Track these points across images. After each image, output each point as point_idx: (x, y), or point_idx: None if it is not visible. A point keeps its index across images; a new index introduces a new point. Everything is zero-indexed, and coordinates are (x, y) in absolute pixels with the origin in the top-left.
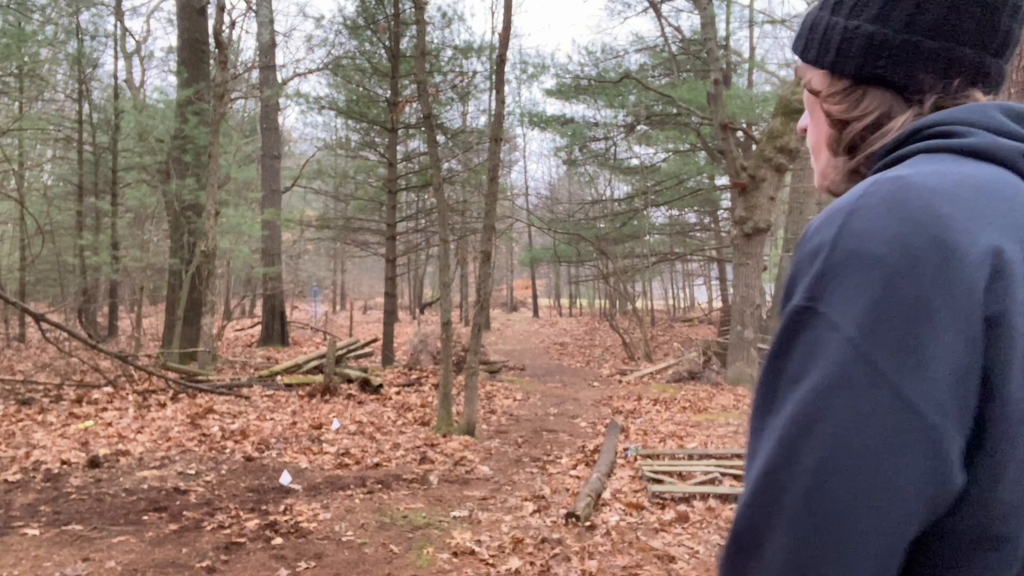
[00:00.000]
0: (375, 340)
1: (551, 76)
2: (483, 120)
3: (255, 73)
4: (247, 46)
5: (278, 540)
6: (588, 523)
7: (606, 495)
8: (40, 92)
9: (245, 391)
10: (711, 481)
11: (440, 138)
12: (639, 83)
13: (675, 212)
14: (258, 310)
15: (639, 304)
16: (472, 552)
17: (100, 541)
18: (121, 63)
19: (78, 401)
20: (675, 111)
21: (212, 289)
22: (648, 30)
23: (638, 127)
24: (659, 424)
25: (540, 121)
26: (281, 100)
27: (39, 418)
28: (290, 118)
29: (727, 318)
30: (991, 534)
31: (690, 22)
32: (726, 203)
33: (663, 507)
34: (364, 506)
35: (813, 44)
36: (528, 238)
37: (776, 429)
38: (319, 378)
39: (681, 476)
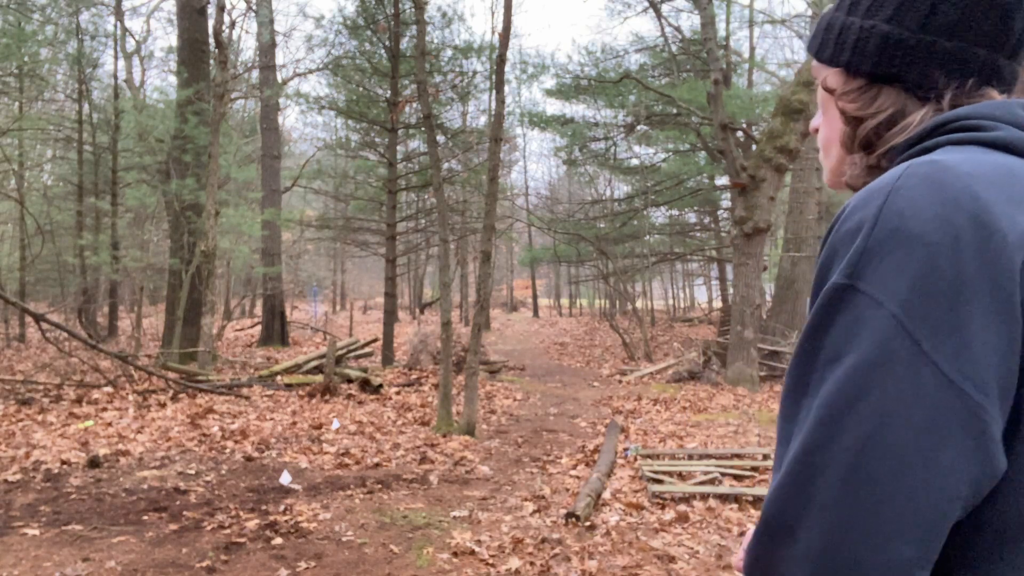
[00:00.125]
0: (375, 340)
1: (551, 76)
2: (483, 120)
3: (255, 73)
4: (247, 46)
5: (278, 540)
6: (588, 523)
7: (606, 495)
8: (40, 92)
9: (245, 391)
10: (711, 481)
11: (440, 138)
12: (639, 83)
13: (675, 212)
14: (258, 310)
15: (639, 304)
16: (472, 552)
17: (100, 541)
18: (121, 63)
19: (78, 401)
20: (675, 111)
21: (212, 289)
22: (648, 30)
23: (638, 127)
24: (659, 424)
25: (540, 121)
26: (281, 100)
27: (39, 418)
28: (290, 118)
29: (727, 318)
30: None
31: (690, 22)
32: (726, 203)
33: (663, 507)
34: (364, 506)
35: (829, 44)
36: (528, 238)
37: (813, 410)
38: (319, 378)
39: (681, 476)
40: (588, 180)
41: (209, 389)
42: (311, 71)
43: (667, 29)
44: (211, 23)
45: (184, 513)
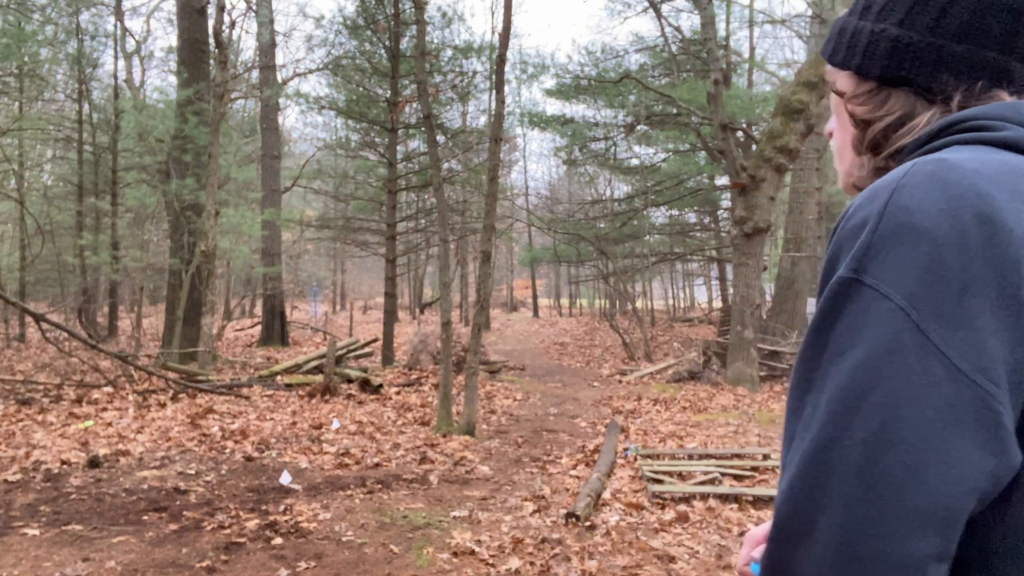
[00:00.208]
0: (375, 340)
1: (551, 76)
2: (483, 120)
3: (255, 73)
4: (247, 46)
5: (278, 540)
6: (588, 523)
7: (606, 495)
8: (40, 92)
9: (245, 391)
10: (711, 481)
11: (440, 138)
12: (639, 83)
13: (675, 212)
14: (258, 310)
15: (639, 304)
16: (472, 552)
17: (100, 541)
18: (121, 63)
19: (78, 401)
20: (675, 111)
21: (212, 289)
22: (648, 30)
23: (638, 127)
24: (659, 424)
25: (540, 121)
26: (281, 100)
27: (39, 418)
28: (290, 118)
29: (727, 318)
30: None
31: (690, 22)
32: (726, 203)
33: (663, 507)
34: (364, 506)
35: (841, 47)
36: (528, 238)
37: (822, 406)
38: (319, 378)
39: (681, 476)
40: (588, 180)
41: (209, 389)
42: (311, 71)
43: (667, 29)
44: (211, 23)
45: (184, 513)
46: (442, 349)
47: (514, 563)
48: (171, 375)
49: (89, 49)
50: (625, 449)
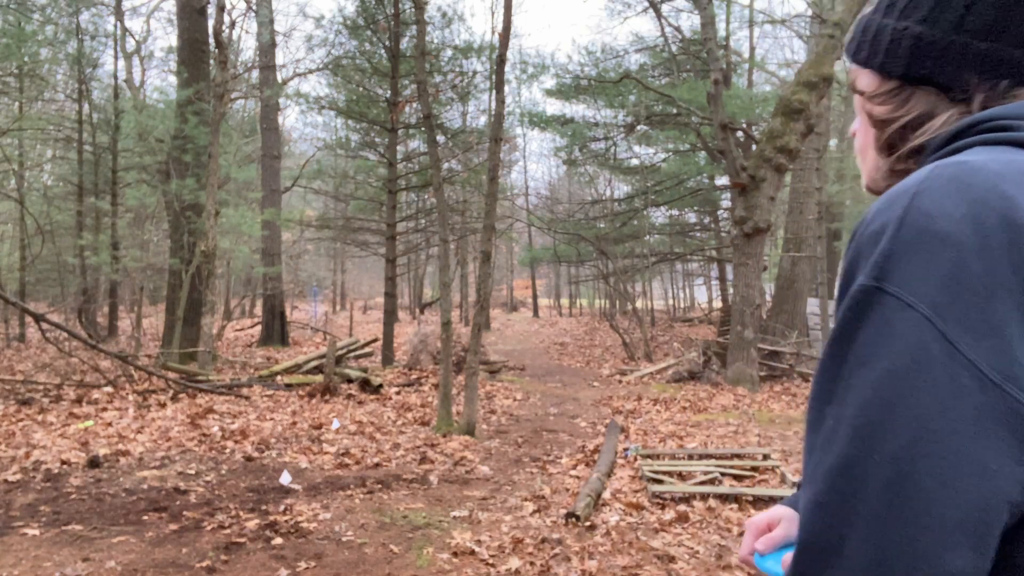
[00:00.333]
0: (375, 340)
1: (551, 76)
2: (483, 120)
3: (255, 73)
4: (247, 46)
5: (278, 540)
6: (588, 523)
7: (606, 495)
8: (40, 92)
9: (245, 391)
10: (711, 481)
11: (440, 138)
12: (639, 83)
13: (675, 212)
14: (258, 310)
15: (639, 304)
16: (472, 552)
17: (100, 541)
18: (121, 63)
19: (78, 401)
20: (675, 111)
21: (212, 289)
22: (648, 30)
23: (638, 127)
24: (659, 424)
25: (540, 121)
26: (281, 100)
27: (39, 418)
28: (290, 118)
29: (727, 318)
30: None
31: (690, 22)
32: (726, 203)
33: (663, 507)
34: (364, 506)
35: (864, 46)
36: (528, 238)
37: (846, 419)
38: (319, 378)
39: (681, 476)
40: (588, 180)
41: (209, 389)
42: (311, 71)
43: (667, 29)
44: (211, 23)
45: (184, 513)
46: (442, 349)
47: (514, 563)
48: (171, 375)
49: (89, 49)
50: (625, 449)
